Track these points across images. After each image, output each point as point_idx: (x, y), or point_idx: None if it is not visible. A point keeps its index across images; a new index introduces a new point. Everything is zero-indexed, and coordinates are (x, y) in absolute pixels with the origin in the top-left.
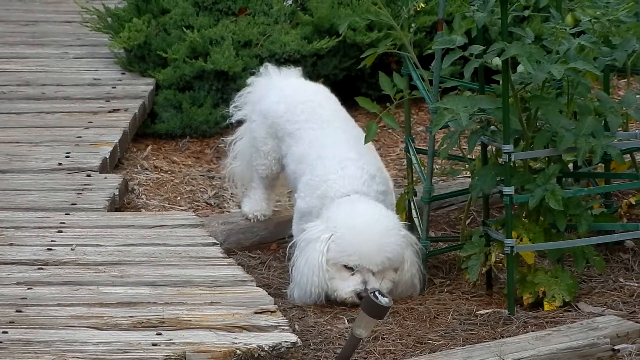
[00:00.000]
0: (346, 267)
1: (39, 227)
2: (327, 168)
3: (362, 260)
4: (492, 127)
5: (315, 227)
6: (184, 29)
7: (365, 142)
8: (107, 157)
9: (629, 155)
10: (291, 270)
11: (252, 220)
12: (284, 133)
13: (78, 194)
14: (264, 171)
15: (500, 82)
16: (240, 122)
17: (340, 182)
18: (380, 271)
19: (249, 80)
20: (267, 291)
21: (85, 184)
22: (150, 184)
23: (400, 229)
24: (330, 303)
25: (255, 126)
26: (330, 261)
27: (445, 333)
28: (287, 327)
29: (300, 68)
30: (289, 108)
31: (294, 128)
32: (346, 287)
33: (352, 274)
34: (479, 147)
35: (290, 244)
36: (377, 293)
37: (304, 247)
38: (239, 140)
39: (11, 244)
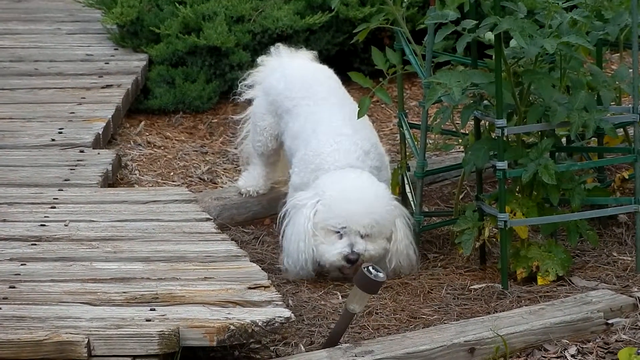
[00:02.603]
0: (334, 231)
1: (32, 203)
2: (321, 142)
3: (348, 222)
4: (485, 101)
5: (303, 195)
6: (177, 5)
7: (358, 117)
8: (100, 132)
9: (621, 129)
10: (281, 240)
11: (244, 195)
12: (282, 110)
13: (71, 169)
14: (260, 147)
15: (493, 57)
16: (250, 101)
17: (335, 155)
18: (369, 235)
19: (259, 60)
20: (260, 266)
21: (78, 160)
22: (144, 159)
23: (391, 198)
24: (321, 276)
25: (257, 102)
26: (318, 225)
27: (439, 308)
28: (280, 302)
29: (315, 52)
30: (287, 85)
31: (292, 105)
32: (333, 249)
33: (340, 238)
34: (472, 122)
35: (280, 213)
36: (370, 268)
37: (292, 215)
38: (249, 120)
39: (4, 220)
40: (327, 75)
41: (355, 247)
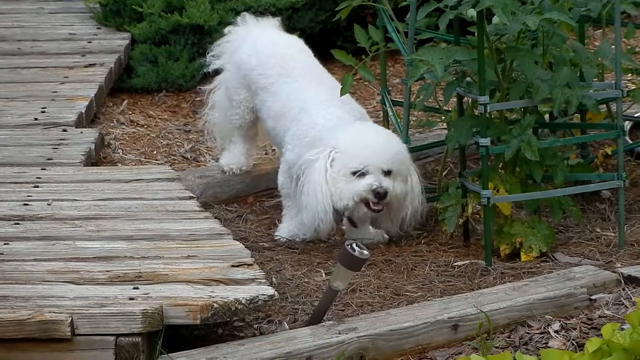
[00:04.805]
0: (355, 174)
1: (15, 182)
2: (314, 117)
3: (369, 159)
4: (468, 78)
5: (313, 151)
6: None
7: (341, 94)
8: (83, 111)
9: (604, 105)
10: (299, 200)
11: (227, 173)
12: (257, 87)
13: (54, 148)
14: (237, 121)
15: (476, 34)
16: (217, 72)
17: (331, 124)
18: (391, 173)
19: (226, 30)
20: (244, 244)
21: (61, 139)
22: (127, 138)
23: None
24: (306, 253)
25: (229, 76)
26: (339, 172)
27: (422, 285)
28: (264, 280)
29: (279, 18)
30: (260, 62)
31: (267, 82)
32: (359, 186)
33: (365, 176)
34: (455, 99)
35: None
36: (354, 245)
37: (307, 171)
38: (217, 90)
39: None
40: (299, 48)
41: (382, 183)
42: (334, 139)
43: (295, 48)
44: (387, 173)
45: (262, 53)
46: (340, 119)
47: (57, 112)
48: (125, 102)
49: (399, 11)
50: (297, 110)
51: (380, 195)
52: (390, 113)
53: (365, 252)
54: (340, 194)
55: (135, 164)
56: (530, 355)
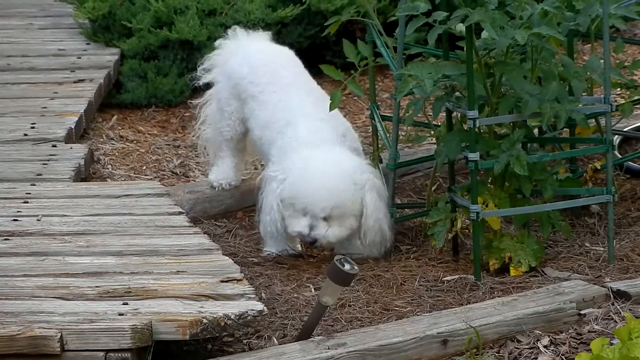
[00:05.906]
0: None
1: (5, 198)
2: (298, 129)
3: (308, 204)
4: (457, 93)
5: (275, 167)
6: None
7: (330, 109)
8: (73, 127)
9: (593, 119)
10: (260, 206)
11: (217, 189)
12: (246, 95)
13: (44, 164)
14: (228, 132)
15: (465, 48)
16: (208, 86)
17: (312, 138)
18: (331, 218)
19: (217, 43)
20: (233, 259)
21: (50, 155)
22: (116, 153)
23: (363, 172)
24: (294, 267)
25: (220, 87)
26: (284, 201)
27: (411, 299)
28: (253, 296)
29: (269, 32)
30: (251, 70)
31: (257, 91)
32: (296, 226)
33: (305, 215)
34: (444, 114)
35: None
36: (342, 260)
37: (265, 187)
38: (209, 105)
39: None
40: (289, 58)
41: (314, 230)
42: (290, 163)
43: (286, 57)
44: (329, 217)
45: (253, 61)
46: (322, 134)
47: (47, 127)
48: (115, 117)
49: (387, 26)
50: (283, 123)
51: (307, 243)
52: (379, 128)
53: (355, 267)
54: (286, 224)
55: (124, 180)
56: None
